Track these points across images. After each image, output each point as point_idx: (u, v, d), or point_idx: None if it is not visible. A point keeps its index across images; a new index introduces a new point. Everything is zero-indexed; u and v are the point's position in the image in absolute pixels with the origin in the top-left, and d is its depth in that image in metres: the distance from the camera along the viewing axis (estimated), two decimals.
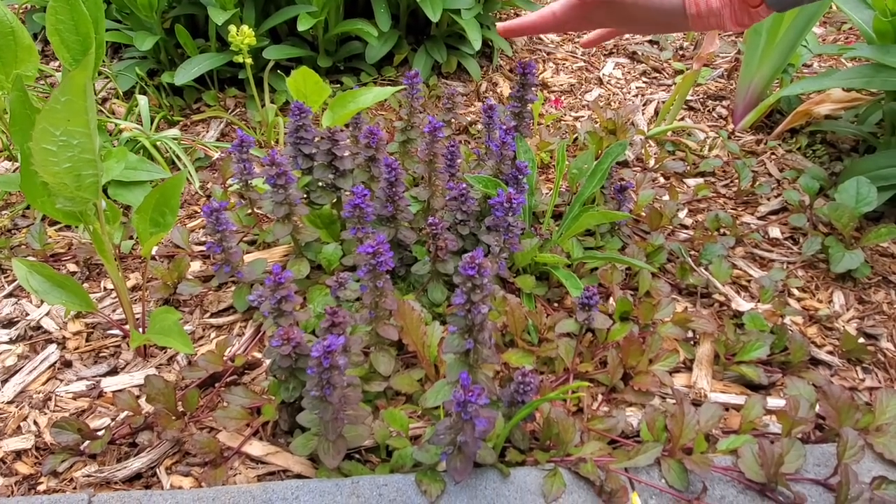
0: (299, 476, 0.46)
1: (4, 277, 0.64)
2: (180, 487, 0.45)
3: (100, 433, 0.48)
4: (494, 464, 0.44)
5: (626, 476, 0.43)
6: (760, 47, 0.90)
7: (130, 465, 0.46)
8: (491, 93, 1.01)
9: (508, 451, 0.45)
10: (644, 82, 1.09)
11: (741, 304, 0.61)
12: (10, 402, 0.52)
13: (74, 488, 0.45)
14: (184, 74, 0.83)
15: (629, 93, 1.05)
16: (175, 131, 0.79)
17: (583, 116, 0.97)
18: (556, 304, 0.62)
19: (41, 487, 0.45)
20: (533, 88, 0.71)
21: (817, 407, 0.50)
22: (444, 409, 0.46)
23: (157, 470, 0.46)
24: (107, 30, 0.89)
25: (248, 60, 0.76)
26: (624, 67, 1.13)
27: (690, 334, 0.59)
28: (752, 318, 0.58)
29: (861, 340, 0.59)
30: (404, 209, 0.58)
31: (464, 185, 0.59)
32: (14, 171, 0.77)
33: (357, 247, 0.57)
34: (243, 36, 0.74)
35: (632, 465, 0.43)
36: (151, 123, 0.81)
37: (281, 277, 0.45)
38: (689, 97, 1.03)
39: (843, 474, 0.40)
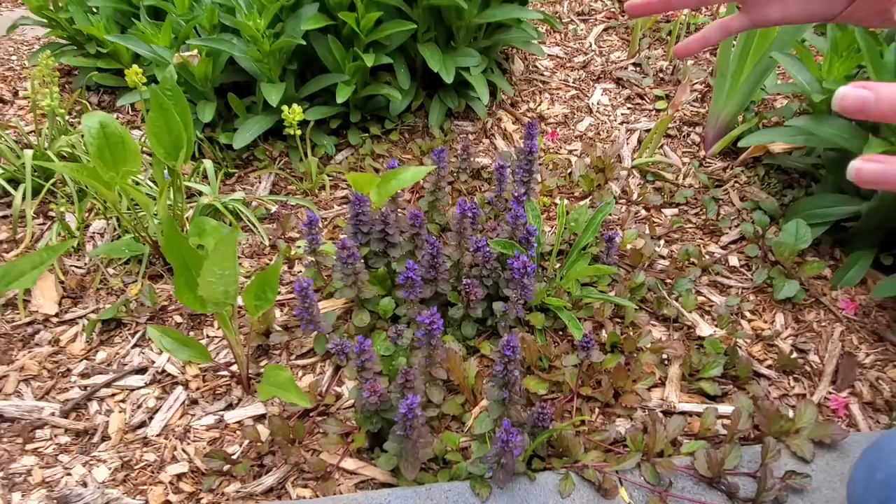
0: (384, 484, 0.64)
1: (127, 330, 0.82)
2: (304, 497, 0.63)
3: (236, 457, 0.66)
4: (525, 471, 0.62)
5: (617, 476, 0.62)
6: (726, 89, 1.06)
7: (265, 482, 0.64)
8: (496, 128, 1.16)
9: (533, 461, 0.64)
10: (629, 108, 1.24)
11: (704, 329, 0.79)
12: (158, 435, 0.70)
13: (227, 500, 0.64)
14: (241, 139, 0.99)
15: (615, 120, 1.20)
16: (241, 194, 0.95)
17: (576, 150, 1.13)
18: (560, 333, 0.80)
19: (203, 502, 0.64)
20: (535, 154, 0.87)
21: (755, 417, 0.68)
22: (489, 438, 0.64)
23: (286, 485, 0.64)
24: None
25: (298, 132, 0.92)
26: (611, 93, 1.28)
27: (665, 356, 0.77)
28: (711, 343, 0.76)
29: (793, 355, 0.77)
30: (442, 272, 0.75)
31: (487, 248, 0.76)
32: (115, 237, 0.93)
33: (408, 305, 0.74)
34: (294, 113, 0.89)
35: (620, 468, 0.62)
36: (215, 178, 0.97)
37: (365, 346, 0.63)
38: (675, 125, 1.18)
39: (763, 471, 0.59)
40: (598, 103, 1.24)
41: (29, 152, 0.95)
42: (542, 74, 1.31)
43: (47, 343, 0.80)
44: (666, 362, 0.76)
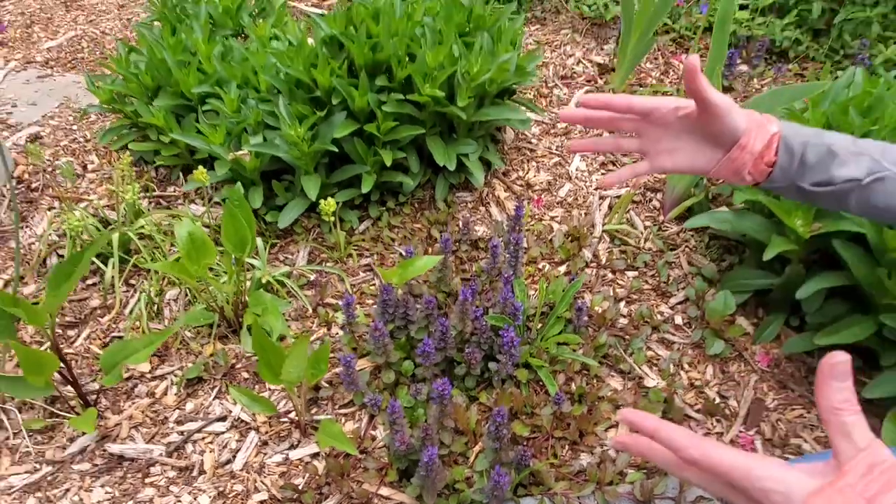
0: (417, 501, 0.89)
1: (208, 385, 1.06)
2: None
3: (301, 488, 0.91)
4: (511, 498, 0.86)
5: (578, 501, 0.86)
6: None
7: None
8: (490, 196, 1.40)
9: (518, 489, 0.88)
10: (602, 174, 1.47)
11: (650, 381, 1.04)
12: (241, 470, 0.94)
13: None
14: (285, 220, 1.22)
15: (591, 186, 1.44)
16: (286, 268, 1.19)
17: (557, 216, 1.36)
18: (541, 384, 1.04)
19: None
20: (522, 239, 1.10)
21: None
22: (486, 474, 0.88)
23: None
24: (218, 184, 1.27)
25: (332, 219, 1.15)
26: (587, 159, 1.51)
27: (619, 403, 1.01)
28: (654, 392, 1.01)
29: (717, 401, 1.01)
30: (450, 342, 0.99)
31: (484, 321, 1.00)
32: (187, 303, 1.17)
33: (424, 368, 0.98)
34: (329, 206, 1.13)
35: (580, 494, 0.86)
36: (265, 251, 1.20)
37: (395, 407, 0.87)
38: (638, 194, 1.42)
39: (680, 496, 0.84)
40: (576, 169, 1.47)
41: (116, 235, 1.19)
42: (530, 142, 1.54)
43: (145, 395, 1.04)
44: (619, 407, 1.00)
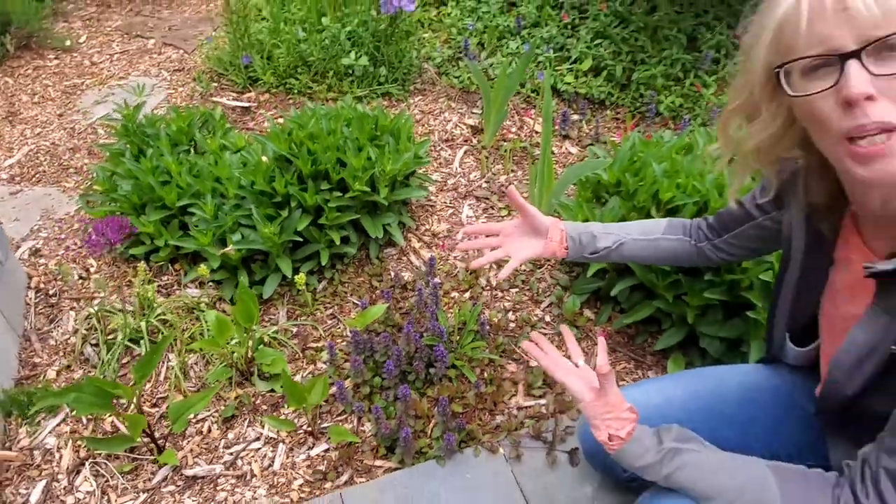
0: (397, 468, 1.40)
1: (239, 418, 1.51)
2: (363, 481, 1.38)
3: (325, 470, 1.39)
4: (457, 450, 1.40)
5: (497, 443, 1.41)
6: (539, 206, 1.86)
7: (342, 478, 1.38)
8: (409, 247, 1.92)
9: (461, 445, 1.42)
10: (486, 217, 2.03)
11: (534, 363, 1.60)
12: (280, 468, 1.42)
13: (329, 489, 1.37)
14: (267, 291, 1.69)
15: None
16: (273, 326, 1.66)
17: (458, 255, 1.90)
18: (465, 376, 1.58)
19: (323, 489, 1.37)
20: (438, 284, 1.63)
21: None
22: (441, 439, 1.41)
23: (353, 478, 1.38)
24: (213, 269, 1.72)
25: (304, 288, 1.63)
26: (474, 207, 2.06)
27: (515, 380, 1.56)
28: (537, 369, 1.57)
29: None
30: (402, 360, 1.51)
31: (422, 342, 1.52)
32: (205, 364, 1.61)
33: (388, 381, 1.49)
34: (301, 279, 1.61)
35: (499, 440, 1.41)
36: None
37: (377, 409, 1.38)
38: None
39: (555, 430, 1.40)
40: (467, 218, 2.02)
41: (143, 323, 1.61)
42: (430, 200, 2.07)
43: (196, 434, 1.49)
44: (516, 384, 1.56)
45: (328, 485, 1.38)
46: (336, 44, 2.46)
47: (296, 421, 1.50)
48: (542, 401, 1.52)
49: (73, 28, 3.16)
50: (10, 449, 1.46)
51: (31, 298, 1.79)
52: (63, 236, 1.99)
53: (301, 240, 1.70)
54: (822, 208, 0.88)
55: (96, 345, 1.67)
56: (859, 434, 0.80)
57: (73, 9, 3.33)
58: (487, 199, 2.08)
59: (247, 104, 2.49)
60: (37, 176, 2.24)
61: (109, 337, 1.66)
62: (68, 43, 2.96)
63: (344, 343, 1.65)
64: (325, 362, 1.61)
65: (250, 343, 1.57)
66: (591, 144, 2.22)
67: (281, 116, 2.41)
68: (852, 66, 0.66)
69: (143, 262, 1.77)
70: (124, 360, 1.64)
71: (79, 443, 1.46)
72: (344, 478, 1.39)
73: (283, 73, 2.50)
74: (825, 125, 0.71)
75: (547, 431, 1.43)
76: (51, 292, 1.81)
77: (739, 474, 0.84)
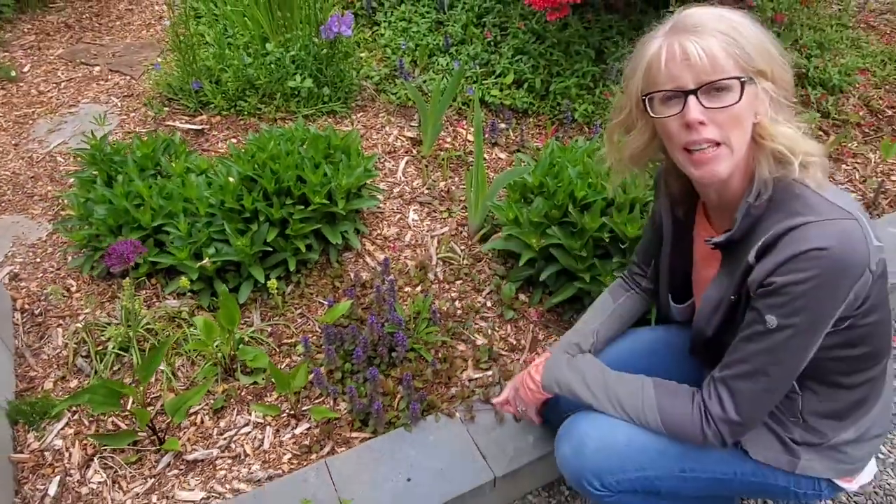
0: (371, 437, 1.65)
1: (229, 409, 1.73)
2: (343, 451, 1.62)
3: (309, 444, 1.63)
4: (421, 417, 1.66)
5: (453, 409, 1.68)
6: (475, 211, 2.15)
7: (325, 450, 1.62)
8: (364, 250, 2.16)
9: (424, 413, 1.68)
10: (430, 221, 2.30)
11: (480, 341, 1.88)
12: (270, 447, 1.65)
13: (313, 460, 1.61)
14: (242, 296, 1.90)
15: (424, 230, 2.26)
16: (250, 328, 1.88)
17: (407, 255, 2.16)
18: (423, 357, 1.84)
19: (310, 460, 1.60)
20: (393, 281, 1.89)
21: None
22: (406, 408, 1.67)
23: (334, 448, 1.63)
24: (191, 280, 1.91)
25: (275, 293, 1.86)
26: (419, 212, 2.33)
27: (464, 358, 1.84)
28: (482, 348, 1.85)
29: (514, 343, 1.88)
30: (368, 348, 1.76)
31: (384, 331, 1.78)
32: (191, 365, 1.81)
33: (357, 365, 1.74)
34: (273, 284, 1.84)
35: (454, 406, 1.68)
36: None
37: (353, 391, 1.63)
38: (453, 230, 2.26)
39: (499, 394, 1.69)
40: (413, 221, 2.29)
41: (132, 333, 1.80)
42: (380, 207, 2.33)
43: (191, 425, 1.70)
44: (466, 360, 1.84)
45: (313, 456, 1.62)
46: (281, 67, 2.67)
47: (280, 406, 1.73)
48: (489, 372, 1.80)
49: (14, 58, 3.23)
50: (21, 453, 1.63)
51: (18, 319, 1.94)
52: (39, 260, 2.14)
53: (270, 249, 1.92)
54: (678, 199, 1.20)
55: (87, 356, 1.84)
56: (718, 362, 1.13)
57: (11, 38, 3.39)
58: (430, 203, 2.35)
59: (199, 127, 2.67)
60: (2, 205, 2.36)
61: (99, 348, 1.84)
62: (13, 73, 3.05)
63: (315, 337, 1.89)
64: (300, 355, 1.84)
65: (232, 343, 1.79)
66: (518, 150, 2.53)
67: (234, 138, 2.61)
68: (691, 100, 0.97)
69: (125, 278, 1.95)
70: (115, 368, 1.82)
71: (85, 441, 1.65)
72: (326, 449, 1.63)
73: (232, 96, 2.69)
74: (673, 139, 1.02)
75: (495, 396, 1.71)
76: (36, 312, 1.96)
77: (628, 383, 1.16)
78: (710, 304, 1.15)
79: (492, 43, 2.90)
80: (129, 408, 1.70)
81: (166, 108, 2.75)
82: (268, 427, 1.69)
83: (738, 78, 0.94)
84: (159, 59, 3.08)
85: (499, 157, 2.54)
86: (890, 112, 2.74)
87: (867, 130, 2.66)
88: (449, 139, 2.64)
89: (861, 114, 2.70)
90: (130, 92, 2.96)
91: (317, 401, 1.74)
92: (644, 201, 1.80)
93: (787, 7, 2.95)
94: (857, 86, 2.82)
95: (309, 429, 1.68)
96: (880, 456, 1.72)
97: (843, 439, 1.17)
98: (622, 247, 1.78)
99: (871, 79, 2.87)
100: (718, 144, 0.99)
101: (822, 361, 1.08)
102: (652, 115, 1.03)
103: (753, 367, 1.04)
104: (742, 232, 1.05)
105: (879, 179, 2.36)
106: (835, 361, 1.09)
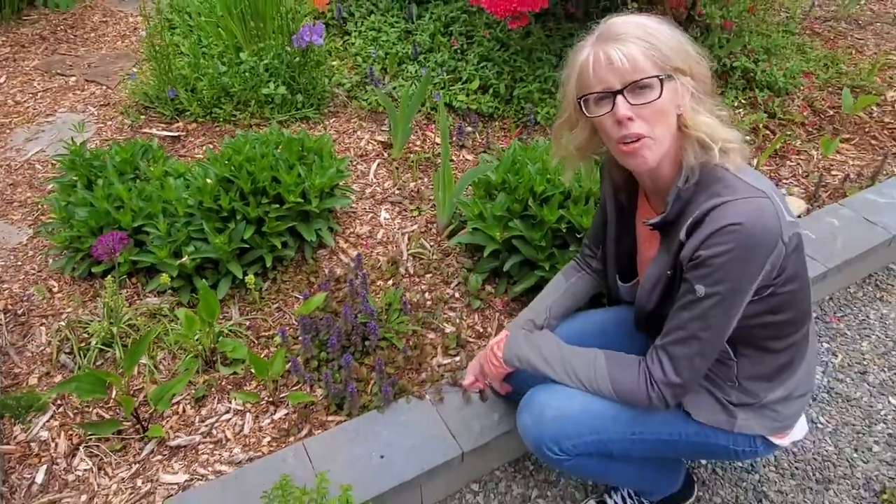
0: (347, 419, 1.74)
1: (210, 397, 1.81)
2: (320, 433, 1.72)
3: (287, 427, 1.72)
4: (393, 400, 1.76)
5: (423, 391, 1.79)
6: (442, 208, 2.26)
7: (303, 433, 1.71)
8: (338, 247, 2.26)
9: (396, 396, 1.78)
10: (400, 219, 2.41)
11: (448, 329, 1.99)
12: (250, 432, 1.73)
13: (292, 442, 1.70)
14: (221, 292, 1.99)
15: (395, 228, 2.36)
16: (230, 322, 1.97)
17: (379, 252, 2.27)
18: (395, 345, 1.94)
19: (288, 444, 1.69)
20: (362, 274, 1.99)
21: None
22: (379, 392, 1.76)
23: (312, 431, 1.72)
24: (172, 277, 1.99)
25: (253, 288, 1.95)
26: (390, 211, 2.43)
27: (434, 345, 1.95)
28: (451, 335, 1.96)
29: (481, 330, 1.99)
30: (342, 337, 1.86)
31: (357, 321, 1.88)
32: (172, 357, 1.89)
33: (331, 354, 1.84)
34: (251, 279, 1.93)
35: (425, 389, 1.79)
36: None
37: (327, 375, 1.72)
38: (423, 227, 2.37)
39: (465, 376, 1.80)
40: (384, 220, 2.40)
41: (115, 329, 1.88)
42: (353, 207, 2.43)
43: (174, 414, 1.78)
44: (435, 347, 1.95)
45: (291, 439, 1.71)
46: (255, 75, 2.77)
47: (259, 394, 1.82)
48: (457, 358, 1.91)
49: None
50: (7, 445, 1.70)
51: (1, 319, 2.00)
52: (20, 263, 2.20)
53: (247, 246, 2.01)
54: (621, 186, 1.33)
55: (70, 353, 1.91)
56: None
57: None
58: (401, 203, 2.46)
59: (176, 133, 2.75)
60: None
61: (82, 345, 1.92)
62: None
63: (291, 329, 1.98)
64: (277, 345, 1.93)
65: (212, 335, 1.87)
66: (484, 152, 2.65)
67: (210, 143, 2.70)
68: (619, 99, 1.10)
69: (106, 277, 2.02)
70: (99, 363, 1.90)
71: (71, 432, 1.72)
72: (304, 432, 1.72)
73: (207, 103, 2.78)
74: (608, 134, 1.15)
75: (462, 379, 1.82)
76: (19, 312, 2.03)
77: (582, 355, 1.28)
78: (650, 281, 1.27)
79: (458, 51, 3.03)
80: (114, 397, 1.77)
81: (143, 116, 2.83)
82: (247, 414, 1.78)
83: (657, 76, 1.07)
84: (135, 69, 3.16)
85: (466, 159, 2.67)
86: (831, 112, 2.93)
87: (810, 129, 2.84)
88: (418, 142, 2.75)
89: (805, 114, 2.87)
90: (107, 101, 3.03)
91: (294, 388, 1.83)
92: (598, 194, 1.93)
93: (735, 15, 3.13)
94: (802, 88, 3.00)
95: (287, 414, 1.77)
96: (819, 425, 1.86)
97: (774, 398, 1.30)
98: (578, 236, 1.90)
99: (815, 81, 3.06)
100: (646, 137, 1.11)
101: (752, 328, 1.21)
102: (587, 115, 1.16)
103: (688, 334, 1.17)
104: (674, 213, 1.18)
105: (820, 174, 2.53)
106: (762, 328, 1.22)
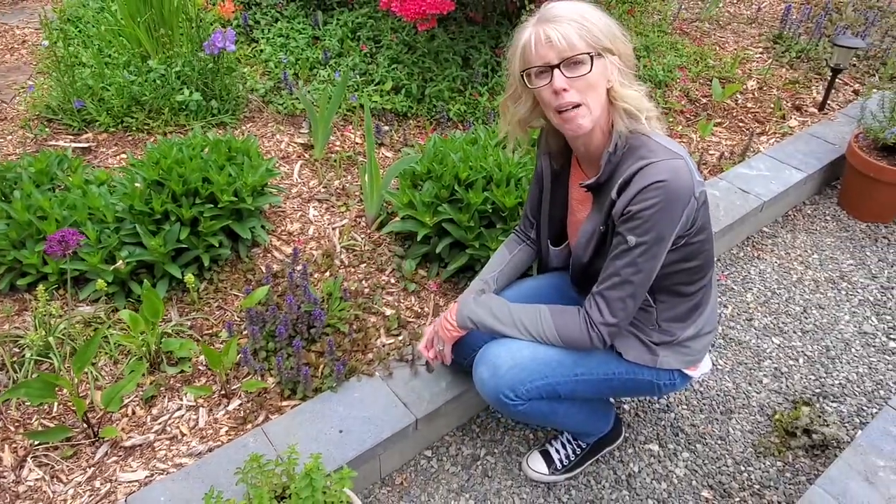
0: (302, 402, 1.82)
1: (161, 395, 1.82)
2: (276, 417, 1.78)
3: (244, 416, 1.77)
4: (345, 379, 1.85)
5: (371, 369, 1.89)
6: (371, 202, 2.38)
7: (259, 419, 1.76)
8: (272, 245, 2.32)
9: (347, 375, 1.87)
10: (329, 215, 2.49)
11: (388, 312, 2.10)
12: (206, 425, 1.76)
13: (249, 429, 1.75)
14: (160, 293, 2.00)
15: (325, 224, 2.45)
16: (172, 323, 1.98)
17: (312, 247, 2.34)
18: (340, 329, 2.03)
19: (247, 432, 1.74)
20: (301, 267, 2.07)
21: None
22: (331, 372, 1.85)
23: (269, 416, 1.77)
24: (107, 283, 1.98)
25: (191, 288, 1.98)
26: (318, 209, 2.51)
27: (378, 328, 2.06)
28: (392, 318, 2.08)
29: (418, 310, 2.13)
30: (289, 325, 1.93)
31: (302, 311, 1.95)
32: (124, 357, 1.88)
33: (280, 343, 1.90)
34: (191, 280, 1.96)
35: (371, 368, 1.89)
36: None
37: (280, 362, 1.79)
38: (352, 221, 2.46)
39: (413, 353, 1.93)
40: (314, 217, 2.47)
41: (51, 338, 1.84)
42: (282, 207, 2.49)
43: (123, 416, 1.78)
44: (378, 329, 2.06)
45: (249, 426, 1.76)
46: (167, 83, 2.76)
47: (211, 387, 1.85)
48: (400, 337, 2.03)
49: None
50: None
51: None
52: None
53: (183, 247, 2.03)
54: (556, 154, 1.52)
55: (3, 367, 1.86)
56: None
57: None
58: (328, 200, 2.55)
59: (86, 145, 2.69)
60: None
61: (14, 359, 1.87)
62: None
63: (236, 324, 2.03)
64: (223, 341, 1.97)
65: (156, 336, 1.88)
66: (403, 148, 2.79)
67: (123, 153, 2.66)
68: (556, 72, 1.27)
69: (36, 288, 1.98)
70: (35, 376, 1.85)
71: (15, 444, 1.68)
72: (261, 418, 1.78)
73: (118, 112, 2.74)
74: (547, 103, 1.32)
75: (407, 354, 1.94)
76: None
77: (528, 310, 1.45)
78: (585, 237, 1.46)
79: (368, 54, 3.15)
80: (59, 403, 1.75)
81: (47, 129, 2.74)
82: (201, 408, 1.81)
83: (588, 53, 1.26)
84: (31, 82, 3.03)
85: (386, 156, 2.79)
86: (704, 100, 3.31)
87: (688, 116, 3.20)
88: (338, 143, 2.85)
89: (682, 103, 3.23)
90: (3, 116, 2.89)
91: (245, 379, 1.88)
92: (517, 176, 2.12)
93: (617, 17, 3.46)
94: (678, 80, 3.37)
95: (241, 403, 1.82)
96: (718, 367, 2.14)
97: (687, 336, 1.52)
98: (503, 215, 2.08)
99: (688, 74, 3.44)
100: (580, 105, 1.29)
101: (669, 275, 1.42)
102: (529, 86, 1.33)
103: (621, 279, 1.36)
104: (606, 175, 1.37)
105: (700, 154, 2.87)
106: (677, 274, 1.44)
